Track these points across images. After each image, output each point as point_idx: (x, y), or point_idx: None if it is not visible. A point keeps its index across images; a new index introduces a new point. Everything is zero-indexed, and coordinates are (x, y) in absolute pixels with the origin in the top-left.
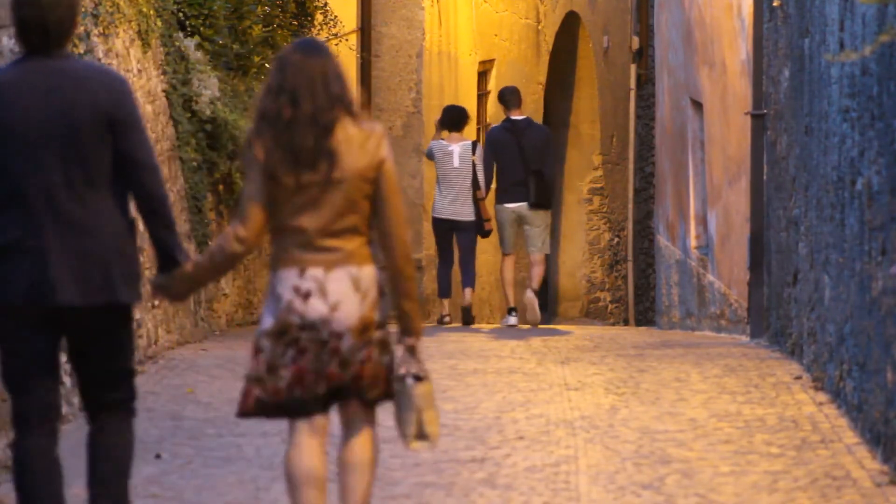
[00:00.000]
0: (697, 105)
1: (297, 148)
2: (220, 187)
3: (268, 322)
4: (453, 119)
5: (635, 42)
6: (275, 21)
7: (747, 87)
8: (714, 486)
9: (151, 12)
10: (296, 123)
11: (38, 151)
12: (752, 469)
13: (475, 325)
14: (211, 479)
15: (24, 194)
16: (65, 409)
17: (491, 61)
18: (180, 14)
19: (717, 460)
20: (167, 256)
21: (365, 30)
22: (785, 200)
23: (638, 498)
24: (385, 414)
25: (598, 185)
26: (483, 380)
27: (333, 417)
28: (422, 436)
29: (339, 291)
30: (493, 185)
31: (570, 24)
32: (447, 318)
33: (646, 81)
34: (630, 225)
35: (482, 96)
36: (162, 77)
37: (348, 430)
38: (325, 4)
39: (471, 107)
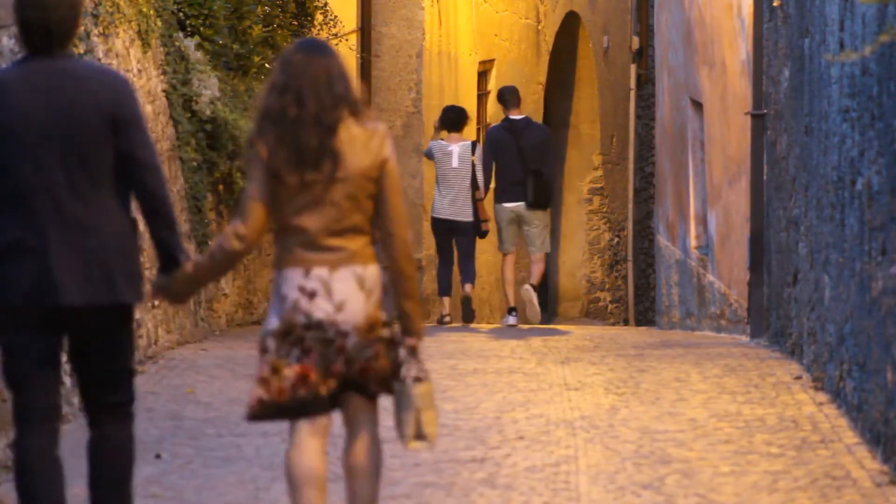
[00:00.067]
0: (697, 105)
1: (300, 147)
2: (220, 187)
3: (273, 322)
4: (453, 119)
5: (635, 42)
6: (275, 21)
7: (747, 87)
8: (714, 486)
9: (151, 12)
10: (300, 123)
11: (41, 151)
12: (752, 469)
13: (475, 325)
14: (211, 479)
15: (27, 194)
16: (65, 409)
17: (491, 61)
18: (180, 14)
19: (717, 460)
20: (168, 257)
21: (365, 30)
22: (785, 200)
23: (638, 498)
24: (385, 414)
25: (598, 185)
26: (483, 380)
27: (335, 418)
28: (420, 436)
29: (345, 291)
30: (493, 185)
31: (570, 24)
32: (447, 318)
33: (646, 81)
34: (630, 225)
35: (482, 96)
36: (162, 77)
37: (352, 431)
38: (325, 4)
39: (471, 107)
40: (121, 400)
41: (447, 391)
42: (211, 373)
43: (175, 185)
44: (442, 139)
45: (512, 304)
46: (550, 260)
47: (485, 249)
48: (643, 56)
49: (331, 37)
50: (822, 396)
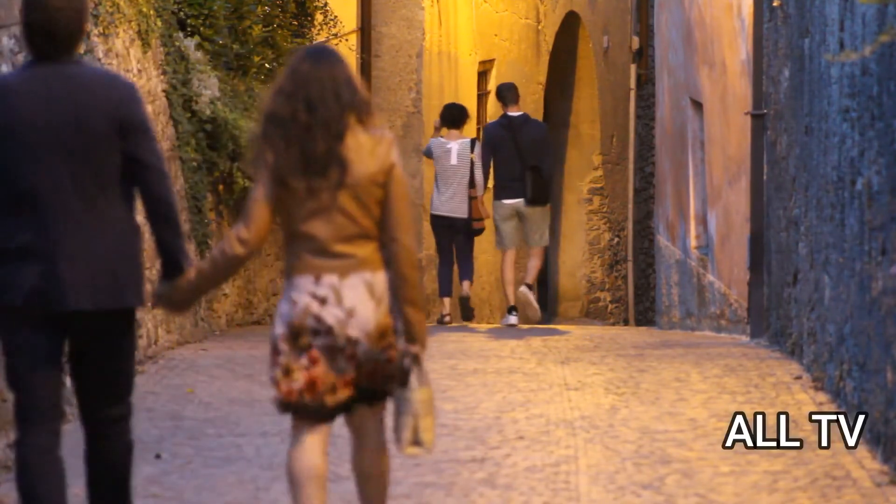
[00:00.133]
0: (697, 105)
1: (307, 154)
2: (220, 187)
3: (281, 327)
4: (453, 117)
5: (635, 42)
6: (275, 21)
7: (747, 87)
8: (714, 486)
9: (151, 12)
10: (307, 130)
11: (47, 156)
12: (752, 469)
13: (474, 325)
14: (211, 479)
15: (34, 198)
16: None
17: (491, 61)
18: (180, 14)
19: (717, 460)
20: (172, 262)
21: (365, 30)
22: (785, 200)
23: (638, 498)
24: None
25: (598, 185)
26: (483, 380)
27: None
28: (417, 442)
29: (355, 298)
30: (492, 182)
31: (570, 24)
32: (447, 318)
33: (646, 81)
34: (630, 225)
35: (482, 96)
36: (162, 77)
37: (360, 439)
38: (325, 4)
39: (471, 107)
40: (119, 414)
41: (447, 391)
42: (211, 373)
43: (175, 185)
44: (441, 136)
45: (512, 303)
46: (550, 260)
47: (484, 249)
48: (643, 56)
49: (331, 37)
50: (822, 396)
